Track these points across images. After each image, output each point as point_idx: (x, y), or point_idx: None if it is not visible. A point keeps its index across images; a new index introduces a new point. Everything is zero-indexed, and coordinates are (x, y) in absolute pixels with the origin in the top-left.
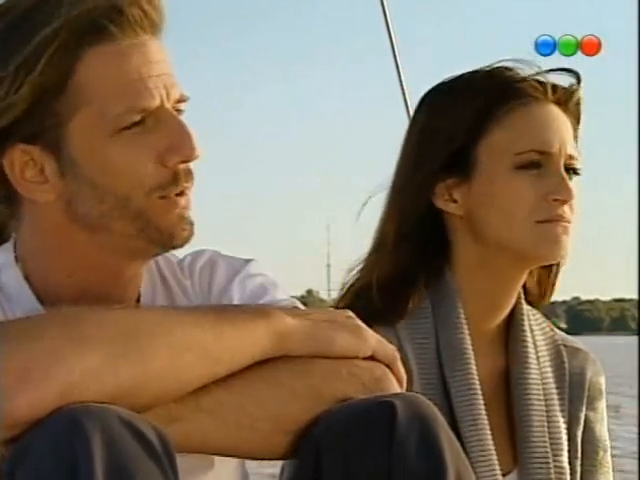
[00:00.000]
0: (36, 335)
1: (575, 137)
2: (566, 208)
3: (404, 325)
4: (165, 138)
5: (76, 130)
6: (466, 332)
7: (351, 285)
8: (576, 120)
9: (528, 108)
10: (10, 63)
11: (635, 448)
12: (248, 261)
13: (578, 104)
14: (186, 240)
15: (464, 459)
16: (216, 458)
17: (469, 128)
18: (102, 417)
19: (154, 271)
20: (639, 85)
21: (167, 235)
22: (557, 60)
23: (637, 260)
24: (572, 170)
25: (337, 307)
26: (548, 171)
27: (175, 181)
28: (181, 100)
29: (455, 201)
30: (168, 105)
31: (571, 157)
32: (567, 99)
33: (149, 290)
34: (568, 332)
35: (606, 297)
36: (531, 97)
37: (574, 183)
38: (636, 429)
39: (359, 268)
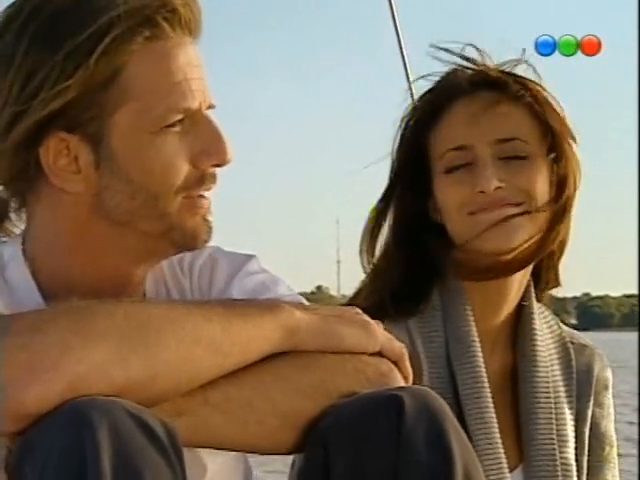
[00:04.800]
0: (45, 328)
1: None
2: (498, 193)
3: (415, 320)
4: (201, 141)
5: (118, 124)
6: (473, 326)
7: (360, 289)
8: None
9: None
10: (60, 50)
11: None
12: (249, 257)
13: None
14: (204, 243)
15: (472, 452)
16: (211, 459)
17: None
18: (109, 410)
19: (157, 270)
20: (639, 85)
21: (190, 237)
22: (557, 60)
23: (637, 258)
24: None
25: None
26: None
27: (201, 182)
28: (210, 107)
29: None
30: (205, 109)
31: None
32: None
33: (153, 289)
34: (578, 328)
35: (616, 293)
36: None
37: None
38: None
39: (369, 273)
